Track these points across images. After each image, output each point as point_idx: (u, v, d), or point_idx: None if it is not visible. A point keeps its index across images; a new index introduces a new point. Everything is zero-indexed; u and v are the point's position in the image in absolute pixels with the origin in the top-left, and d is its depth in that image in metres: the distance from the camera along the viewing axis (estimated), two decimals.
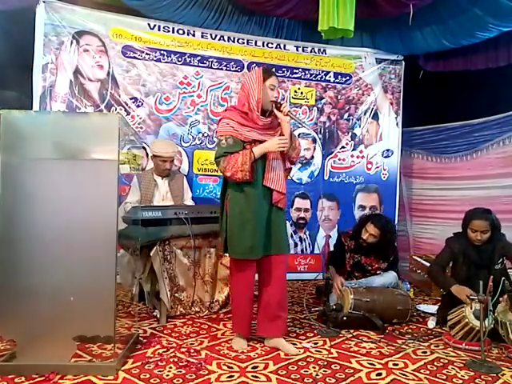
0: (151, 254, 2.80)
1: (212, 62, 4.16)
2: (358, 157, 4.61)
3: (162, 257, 2.85)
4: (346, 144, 4.58)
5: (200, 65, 4.12)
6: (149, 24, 3.96)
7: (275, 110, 2.41)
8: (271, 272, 2.46)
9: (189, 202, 3.58)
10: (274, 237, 2.44)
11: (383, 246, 3.23)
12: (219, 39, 4.16)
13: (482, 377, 2.18)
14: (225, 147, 2.33)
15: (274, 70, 2.63)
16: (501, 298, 2.60)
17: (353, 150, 4.59)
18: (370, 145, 4.65)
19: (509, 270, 2.93)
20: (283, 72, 4.33)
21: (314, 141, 4.47)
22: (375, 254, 3.26)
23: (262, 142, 2.37)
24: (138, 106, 3.97)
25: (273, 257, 2.45)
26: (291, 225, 4.40)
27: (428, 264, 3.95)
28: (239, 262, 2.42)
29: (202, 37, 4.11)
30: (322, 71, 4.48)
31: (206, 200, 4.09)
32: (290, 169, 2.61)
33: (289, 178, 2.71)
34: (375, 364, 2.29)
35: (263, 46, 4.29)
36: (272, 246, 2.43)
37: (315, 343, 2.57)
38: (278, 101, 2.46)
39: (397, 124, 4.71)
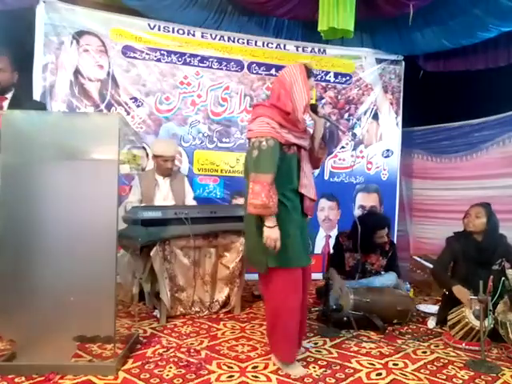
0: (151, 254, 2.80)
1: (212, 62, 4.16)
2: (358, 157, 4.61)
3: (162, 257, 2.84)
4: (346, 144, 4.59)
5: (200, 65, 4.13)
6: (149, 24, 3.96)
7: (310, 112, 2.27)
8: (304, 285, 2.26)
9: (190, 202, 3.58)
10: (306, 245, 2.31)
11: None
12: (219, 39, 4.16)
13: (482, 377, 2.18)
14: (265, 149, 2.05)
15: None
16: (502, 301, 2.60)
17: (353, 149, 4.59)
18: (370, 145, 4.65)
19: (509, 271, 2.93)
20: None
21: None
22: (374, 250, 3.26)
23: (298, 145, 2.21)
24: (138, 106, 3.97)
25: (306, 268, 2.27)
26: None
27: (428, 264, 3.97)
28: (288, 272, 2.13)
29: (202, 37, 4.12)
30: (322, 71, 4.48)
31: (206, 200, 4.10)
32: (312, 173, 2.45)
33: None
34: (375, 364, 2.29)
35: (263, 46, 4.29)
36: (306, 255, 2.29)
37: (315, 343, 2.57)
38: (313, 102, 2.32)
39: (397, 124, 4.72)
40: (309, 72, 2.19)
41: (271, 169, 2.05)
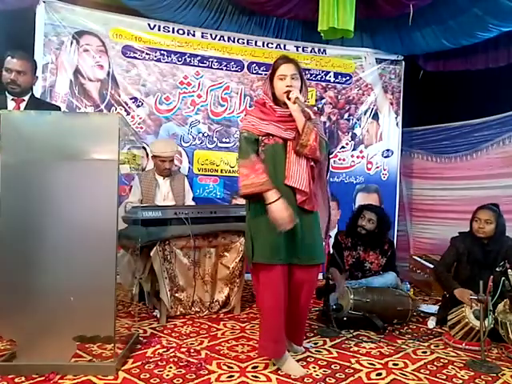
0: (151, 254, 2.80)
1: (212, 61, 4.16)
2: (358, 157, 4.61)
3: (162, 257, 2.84)
4: (346, 144, 4.59)
5: (200, 65, 4.13)
6: (149, 24, 3.96)
7: (286, 100, 2.15)
8: (299, 287, 2.21)
9: (190, 202, 3.58)
10: (304, 244, 2.15)
11: (380, 234, 3.26)
12: (219, 39, 4.16)
13: (482, 377, 2.18)
14: (241, 139, 2.19)
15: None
16: (503, 303, 2.60)
17: (353, 150, 4.60)
18: (370, 145, 4.65)
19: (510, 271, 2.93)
20: None
21: None
22: (373, 247, 3.26)
23: (280, 137, 2.16)
24: (138, 106, 3.97)
25: (304, 268, 2.18)
26: None
27: (428, 264, 3.97)
28: (265, 268, 2.12)
29: (202, 37, 4.12)
30: (322, 71, 4.48)
31: (206, 200, 4.10)
32: (313, 167, 2.23)
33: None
34: (375, 364, 2.29)
35: (263, 46, 4.30)
36: (302, 254, 2.16)
37: (315, 343, 2.57)
38: (289, 89, 2.15)
39: (397, 124, 4.72)
40: (275, 63, 2.22)
41: (250, 152, 2.15)
